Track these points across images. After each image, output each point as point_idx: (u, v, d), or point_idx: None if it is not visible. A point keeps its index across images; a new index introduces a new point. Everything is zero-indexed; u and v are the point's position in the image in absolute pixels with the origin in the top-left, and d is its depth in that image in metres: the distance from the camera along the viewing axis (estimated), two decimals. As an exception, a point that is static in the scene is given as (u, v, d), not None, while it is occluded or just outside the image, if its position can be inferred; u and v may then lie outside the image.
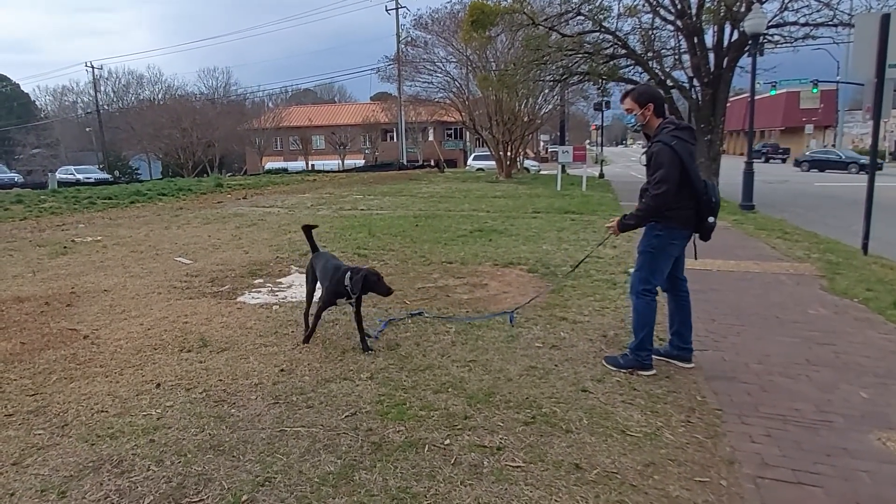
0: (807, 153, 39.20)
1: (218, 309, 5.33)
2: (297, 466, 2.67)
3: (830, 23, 14.20)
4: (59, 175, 34.24)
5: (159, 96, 53.42)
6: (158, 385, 3.62)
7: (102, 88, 56.67)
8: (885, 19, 6.83)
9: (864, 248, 7.58)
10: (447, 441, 2.89)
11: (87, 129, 57.20)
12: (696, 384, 3.60)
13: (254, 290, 6.10)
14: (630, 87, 3.98)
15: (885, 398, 3.38)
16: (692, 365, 3.88)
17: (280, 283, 6.40)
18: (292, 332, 4.64)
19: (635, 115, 3.76)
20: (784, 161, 46.94)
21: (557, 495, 2.46)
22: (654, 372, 3.75)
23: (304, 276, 4.82)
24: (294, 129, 55.11)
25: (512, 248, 8.08)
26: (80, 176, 36.10)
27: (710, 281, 6.16)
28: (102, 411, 3.28)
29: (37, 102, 67.38)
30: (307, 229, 4.86)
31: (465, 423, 3.08)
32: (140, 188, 20.52)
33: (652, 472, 2.63)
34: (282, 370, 3.84)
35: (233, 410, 3.26)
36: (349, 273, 4.12)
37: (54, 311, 5.32)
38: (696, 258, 3.90)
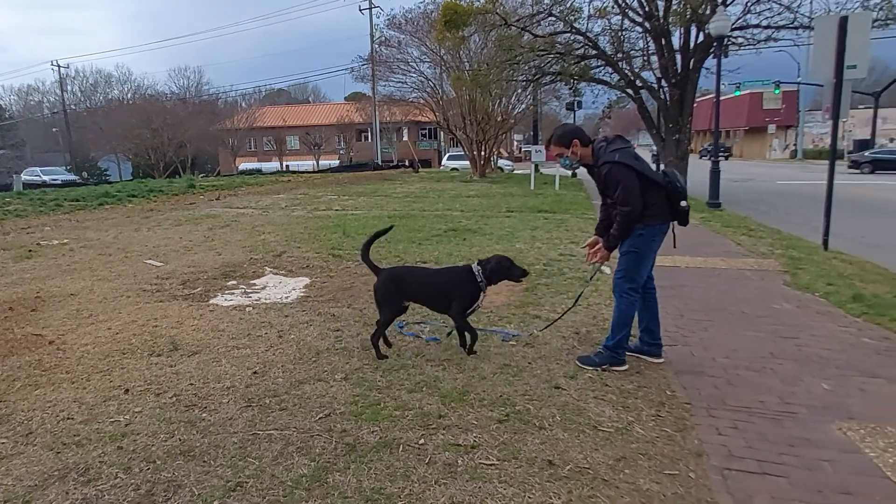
0: (866, 152, 31.82)
1: (189, 311, 5.25)
2: (270, 470, 2.65)
3: (791, 25, 14.62)
4: (24, 177, 33.28)
5: (128, 96, 52.41)
6: (127, 390, 3.55)
7: (69, 88, 55.38)
8: (843, 21, 7.05)
9: (825, 243, 7.82)
10: (421, 441, 2.90)
11: (54, 130, 55.71)
12: (666, 379, 3.68)
13: (227, 291, 6.03)
14: (550, 134, 4.05)
15: (846, 389, 3.49)
16: (662, 360, 3.96)
17: (254, 284, 6.34)
18: (265, 333, 4.60)
19: (567, 156, 3.85)
20: (727, 158, 48.84)
21: (531, 492, 2.48)
22: (626, 367, 3.82)
23: (379, 299, 4.08)
24: (268, 130, 54.48)
25: (486, 248, 8.11)
26: (46, 177, 35.14)
27: (678, 277, 6.28)
28: (68, 418, 3.21)
29: (1, 102, 65.37)
30: (372, 241, 4.20)
31: (439, 422, 3.09)
32: (109, 190, 20.03)
33: (623, 467, 2.68)
34: (255, 373, 3.81)
35: (204, 415, 3.22)
36: (477, 266, 3.98)
37: (18, 317, 5.18)
38: (675, 246, 3.98)
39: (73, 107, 54.45)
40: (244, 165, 48.19)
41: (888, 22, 12.89)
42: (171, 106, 48.55)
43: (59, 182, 31.65)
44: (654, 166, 4.26)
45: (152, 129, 42.19)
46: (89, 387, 3.63)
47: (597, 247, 3.94)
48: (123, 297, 5.84)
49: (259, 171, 37.95)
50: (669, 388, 3.53)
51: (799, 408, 3.26)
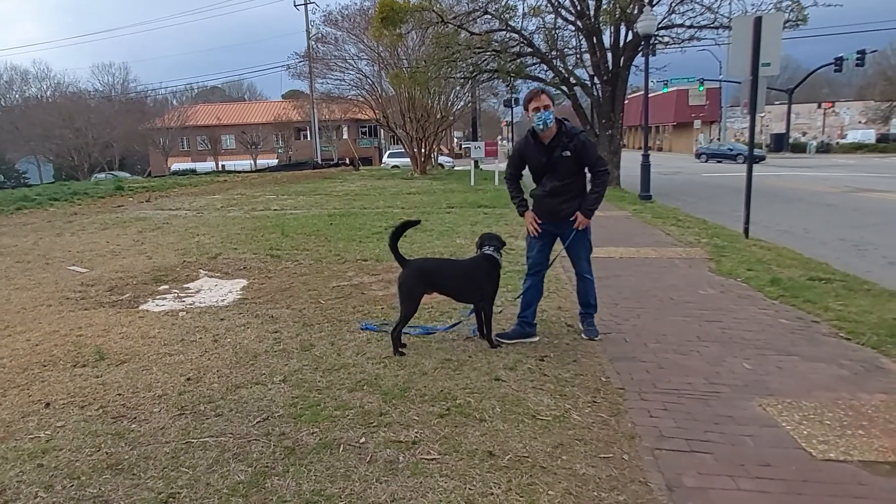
0: None
1: (117, 319, 5.01)
2: (205, 479, 2.57)
3: (712, 25, 15.42)
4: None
5: (48, 94, 49.24)
6: (48, 404, 3.35)
7: (-19, 85, 51.41)
8: (758, 22, 7.48)
9: (746, 231, 8.30)
10: (362, 439, 2.88)
11: (-36, 131, 51.65)
12: (601, 366, 3.80)
13: (158, 297, 5.79)
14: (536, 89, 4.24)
15: (765, 367, 3.71)
16: (538, 338, 4.27)
17: (187, 288, 6.11)
18: (200, 338, 4.45)
19: (551, 110, 3.96)
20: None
21: (471, 483, 2.51)
22: None
23: (405, 292, 4.05)
24: (202, 129, 52.61)
25: (426, 244, 8.13)
26: (-46, 182, 32.63)
27: (613, 267, 6.50)
28: (-18, 438, 3.00)
29: None
30: (401, 233, 4.12)
31: (380, 419, 3.09)
32: (28, 193, 18.73)
33: (560, 453, 2.75)
34: (188, 379, 3.68)
35: (133, 426, 3.08)
36: (488, 249, 4.17)
37: (-77, 332, 4.79)
38: None
39: (-15, 105, 50.74)
40: (177, 166, 46.35)
41: (798, 23, 13.75)
42: (95, 104, 46.22)
43: (-30, 186, 29.44)
44: None
45: (75, 129, 40.07)
46: (6, 402, 3.40)
47: (581, 221, 4.07)
48: (44, 305, 5.51)
49: (193, 172, 36.51)
50: (604, 375, 3.65)
51: (723, 387, 3.44)
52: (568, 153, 3.94)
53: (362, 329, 4.57)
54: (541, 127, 3.94)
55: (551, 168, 4.03)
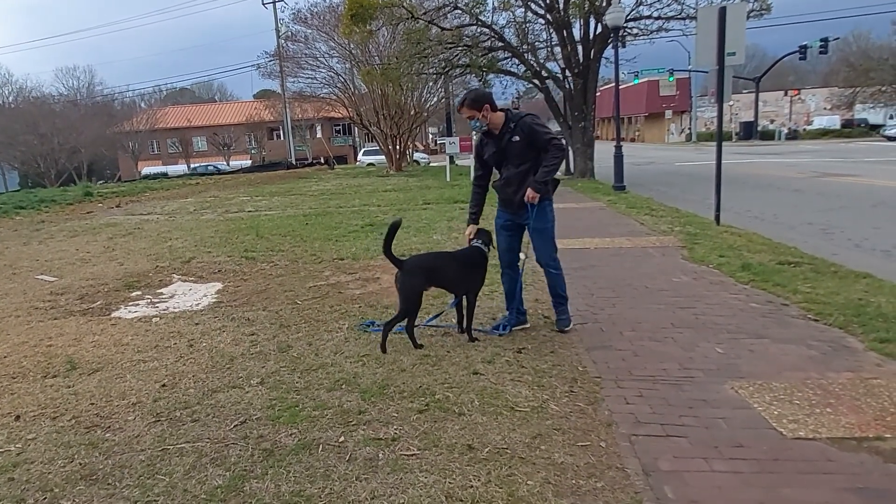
0: None
1: (88, 327, 4.91)
2: (182, 485, 2.54)
3: (679, 16, 15.69)
4: None
5: (10, 99, 47.85)
6: (18, 417, 3.28)
7: (-62, 92, 49.74)
8: (722, 12, 7.61)
9: (717, 218, 8.45)
10: (341, 438, 2.88)
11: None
12: (578, 356, 3.84)
13: (130, 303, 5.69)
14: (463, 96, 4.26)
15: (737, 351, 3.79)
16: (528, 324, 4.39)
17: (161, 293, 6.01)
18: (174, 343, 4.38)
19: (478, 119, 4.05)
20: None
21: (451, 477, 2.52)
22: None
23: (406, 291, 4.04)
24: (172, 131, 51.76)
25: (403, 240, 8.11)
26: (-86, 192, 31.52)
27: (588, 258, 6.56)
28: (-51, 454, 2.92)
29: None
30: (392, 236, 4.14)
31: (359, 418, 3.08)
32: (-8, 202, 18.28)
33: (539, 444, 2.77)
34: (163, 385, 3.62)
35: (107, 435, 3.03)
36: (476, 242, 4.25)
37: None
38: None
39: (-56, 113, 49.14)
40: (147, 169, 45.53)
41: (762, 12, 14.02)
42: (60, 109, 45.06)
43: (-70, 197, 28.48)
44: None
45: (40, 135, 39.05)
46: (-27, 417, 3.32)
47: (529, 193, 4.00)
48: (12, 316, 5.38)
49: (165, 175, 35.93)
50: (581, 365, 3.69)
51: (697, 372, 3.51)
52: (517, 138, 4.02)
53: (365, 325, 4.53)
54: (478, 129, 4.15)
55: (504, 155, 4.12)
